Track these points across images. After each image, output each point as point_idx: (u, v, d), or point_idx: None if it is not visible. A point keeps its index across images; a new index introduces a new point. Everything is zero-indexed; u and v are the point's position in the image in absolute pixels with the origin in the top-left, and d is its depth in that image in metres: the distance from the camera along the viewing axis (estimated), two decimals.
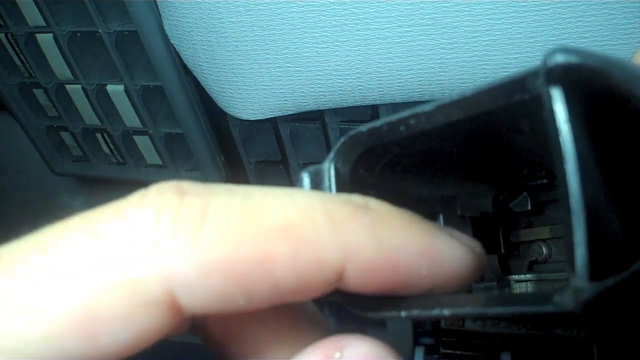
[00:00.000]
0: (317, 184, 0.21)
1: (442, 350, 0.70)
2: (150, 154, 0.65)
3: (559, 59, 0.14)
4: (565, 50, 0.14)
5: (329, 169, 0.21)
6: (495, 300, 0.17)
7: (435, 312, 0.18)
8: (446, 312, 0.18)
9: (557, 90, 0.15)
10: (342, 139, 0.21)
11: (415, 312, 0.19)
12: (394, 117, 0.19)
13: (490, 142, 0.22)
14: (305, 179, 0.21)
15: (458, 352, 0.71)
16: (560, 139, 0.14)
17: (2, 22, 0.59)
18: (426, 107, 0.18)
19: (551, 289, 0.26)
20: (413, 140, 0.20)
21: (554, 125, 0.14)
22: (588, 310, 0.14)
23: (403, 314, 0.19)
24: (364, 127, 0.20)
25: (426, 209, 0.25)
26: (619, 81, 0.14)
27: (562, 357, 0.68)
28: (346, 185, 0.21)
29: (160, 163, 0.65)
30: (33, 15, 0.56)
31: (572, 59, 0.14)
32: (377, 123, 0.20)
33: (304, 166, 0.57)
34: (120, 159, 0.68)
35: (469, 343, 0.71)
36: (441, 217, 0.25)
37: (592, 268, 0.14)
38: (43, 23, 0.57)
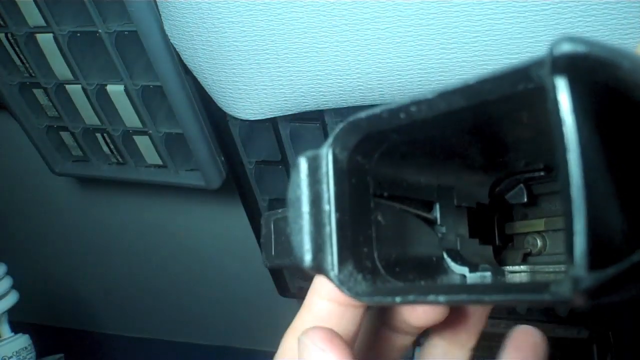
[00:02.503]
0: (314, 170, 0.21)
1: None
2: (150, 154, 0.65)
3: (566, 47, 0.14)
4: (572, 39, 0.14)
5: (326, 154, 0.21)
6: (491, 288, 0.17)
7: (431, 298, 0.18)
8: (442, 298, 0.18)
9: (562, 80, 0.14)
10: (341, 125, 0.21)
11: (411, 298, 0.19)
12: (393, 105, 0.19)
13: (489, 132, 0.22)
14: (303, 164, 0.21)
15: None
16: (564, 129, 0.14)
17: (2, 22, 0.59)
18: (428, 94, 0.18)
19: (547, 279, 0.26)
20: (413, 128, 0.19)
21: (557, 116, 0.14)
22: (586, 300, 0.14)
23: (398, 299, 0.19)
24: (363, 114, 0.20)
25: (423, 197, 0.25)
26: (627, 72, 0.14)
27: (562, 357, 0.68)
28: (343, 171, 0.21)
29: (160, 163, 0.65)
30: (33, 15, 0.56)
31: (579, 48, 0.14)
32: (376, 110, 0.20)
33: None
34: (120, 159, 0.68)
35: None
36: (437, 205, 0.25)
37: (591, 257, 0.14)
38: (43, 23, 0.57)
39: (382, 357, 0.25)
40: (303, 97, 0.47)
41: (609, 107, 0.15)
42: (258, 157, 0.59)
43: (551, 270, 0.27)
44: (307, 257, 0.20)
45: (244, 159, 0.59)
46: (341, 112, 0.51)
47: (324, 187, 0.21)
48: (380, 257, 0.22)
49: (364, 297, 0.20)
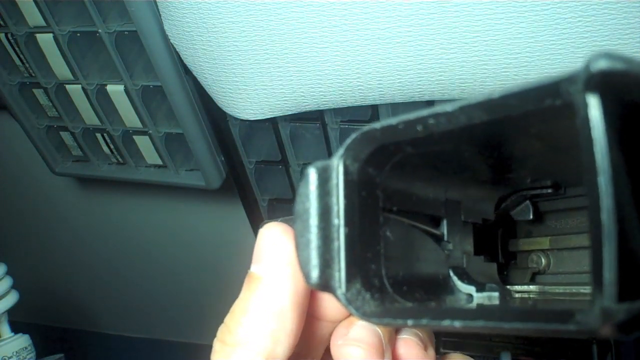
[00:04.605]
0: (324, 181, 0.20)
1: (442, 350, 0.70)
2: (150, 154, 0.65)
3: (603, 64, 0.13)
4: (610, 55, 0.13)
5: (337, 166, 0.20)
6: (511, 314, 0.16)
7: (446, 323, 0.17)
8: (457, 323, 0.17)
9: (594, 98, 0.13)
10: (354, 135, 0.20)
11: (424, 322, 0.18)
12: (411, 116, 0.18)
13: (501, 146, 0.21)
14: (313, 175, 0.20)
15: (458, 352, 0.71)
16: (595, 150, 0.13)
17: (2, 22, 0.59)
18: (447, 107, 0.17)
19: (560, 304, 0.25)
20: (429, 141, 0.18)
21: (588, 135, 0.13)
22: (615, 332, 0.13)
23: (410, 322, 0.18)
24: (377, 124, 0.19)
25: (431, 212, 0.24)
26: None
27: (562, 357, 0.68)
28: (354, 184, 0.20)
29: (160, 163, 0.65)
30: (33, 15, 0.56)
31: (618, 65, 0.13)
32: (392, 121, 0.19)
33: (303, 166, 0.57)
34: (120, 159, 0.68)
35: (469, 343, 0.71)
36: (445, 221, 0.24)
37: (620, 287, 0.13)
38: (43, 23, 0.57)
39: (310, 342, 0.24)
40: (303, 97, 0.47)
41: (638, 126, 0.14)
42: (258, 157, 0.59)
43: (560, 291, 0.26)
44: (314, 274, 0.19)
45: (244, 159, 0.59)
46: (341, 112, 0.51)
47: (334, 199, 0.20)
48: (388, 274, 0.21)
49: (372, 318, 0.19)
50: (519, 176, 0.25)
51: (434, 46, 0.41)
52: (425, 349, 0.24)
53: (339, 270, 0.20)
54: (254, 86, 0.47)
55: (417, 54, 0.41)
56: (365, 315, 0.19)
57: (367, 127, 0.19)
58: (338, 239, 0.20)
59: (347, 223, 0.20)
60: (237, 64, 0.46)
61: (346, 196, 0.20)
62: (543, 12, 0.37)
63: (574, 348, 0.67)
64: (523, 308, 0.23)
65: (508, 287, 0.27)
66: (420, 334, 0.24)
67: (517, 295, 0.26)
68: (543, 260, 0.27)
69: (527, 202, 0.27)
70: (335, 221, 0.20)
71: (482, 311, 0.20)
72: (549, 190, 0.25)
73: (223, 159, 0.61)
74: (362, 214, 0.20)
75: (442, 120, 0.17)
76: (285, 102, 0.48)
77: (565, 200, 0.26)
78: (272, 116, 0.50)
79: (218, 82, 0.48)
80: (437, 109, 0.17)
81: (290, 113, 0.49)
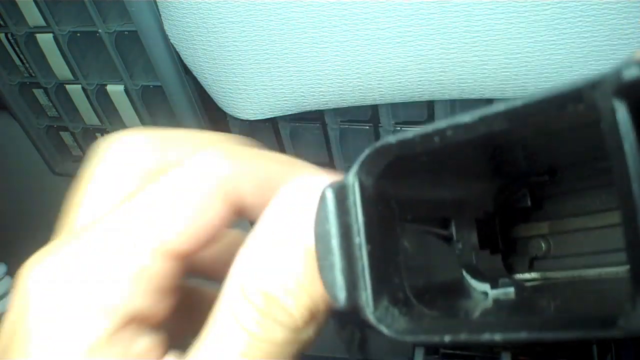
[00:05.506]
0: (341, 200, 0.19)
1: (442, 351, 0.70)
2: None
3: (635, 72, 0.13)
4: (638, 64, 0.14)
5: (353, 183, 0.19)
6: (552, 323, 0.16)
7: (485, 337, 0.16)
8: (498, 337, 0.16)
9: (623, 105, 0.14)
10: (368, 151, 0.19)
11: (462, 337, 0.17)
12: (428, 129, 0.18)
13: (514, 147, 0.21)
14: (329, 195, 0.19)
15: (458, 352, 0.71)
16: (627, 159, 0.13)
17: (2, 22, 0.59)
18: (466, 118, 0.17)
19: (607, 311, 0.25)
20: (445, 151, 0.18)
21: (618, 144, 0.14)
22: None
23: (447, 338, 0.18)
24: (392, 139, 0.19)
25: (441, 214, 0.24)
26: None
27: (562, 357, 0.68)
28: (370, 199, 0.20)
29: None
30: (33, 15, 0.56)
31: None
32: (408, 134, 0.18)
33: None
34: None
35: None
36: (453, 222, 0.24)
37: None
38: (43, 23, 0.57)
39: None
40: (303, 97, 0.47)
41: None
42: None
43: (562, 275, 0.26)
44: (342, 296, 0.19)
45: None
46: (341, 112, 0.51)
47: (353, 218, 0.19)
48: (410, 286, 0.21)
49: (406, 336, 0.19)
50: (516, 165, 0.25)
51: (434, 46, 0.41)
52: None
53: (366, 289, 0.19)
54: (254, 86, 0.47)
55: (417, 54, 0.41)
56: (399, 333, 0.19)
57: (381, 143, 0.19)
58: (361, 257, 0.19)
59: (369, 240, 0.19)
60: (237, 64, 0.46)
61: (365, 213, 0.19)
62: (543, 12, 0.37)
63: (574, 348, 0.67)
64: (565, 317, 0.23)
65: (514, 276, 0.27)
66: None
67: (526, 284, 0.26)
68: (543, 245, 0.27)
69: (525, 189, 0.27)
70: (357, 240, 0.19)
71: (523, 322, 0.20)
72: (546, 177, 0.25)
73: None
74: (381, 229, 0.20)
75: (460, 132, 0.17)
76: (285, 102, 0.48)
77: (562, 184, 0.26)
78: (272, 116, 0.50)
79: (218, 82, 0.49)
80: (456, 120, 0.17)
81: (290, 113, 0.49)
